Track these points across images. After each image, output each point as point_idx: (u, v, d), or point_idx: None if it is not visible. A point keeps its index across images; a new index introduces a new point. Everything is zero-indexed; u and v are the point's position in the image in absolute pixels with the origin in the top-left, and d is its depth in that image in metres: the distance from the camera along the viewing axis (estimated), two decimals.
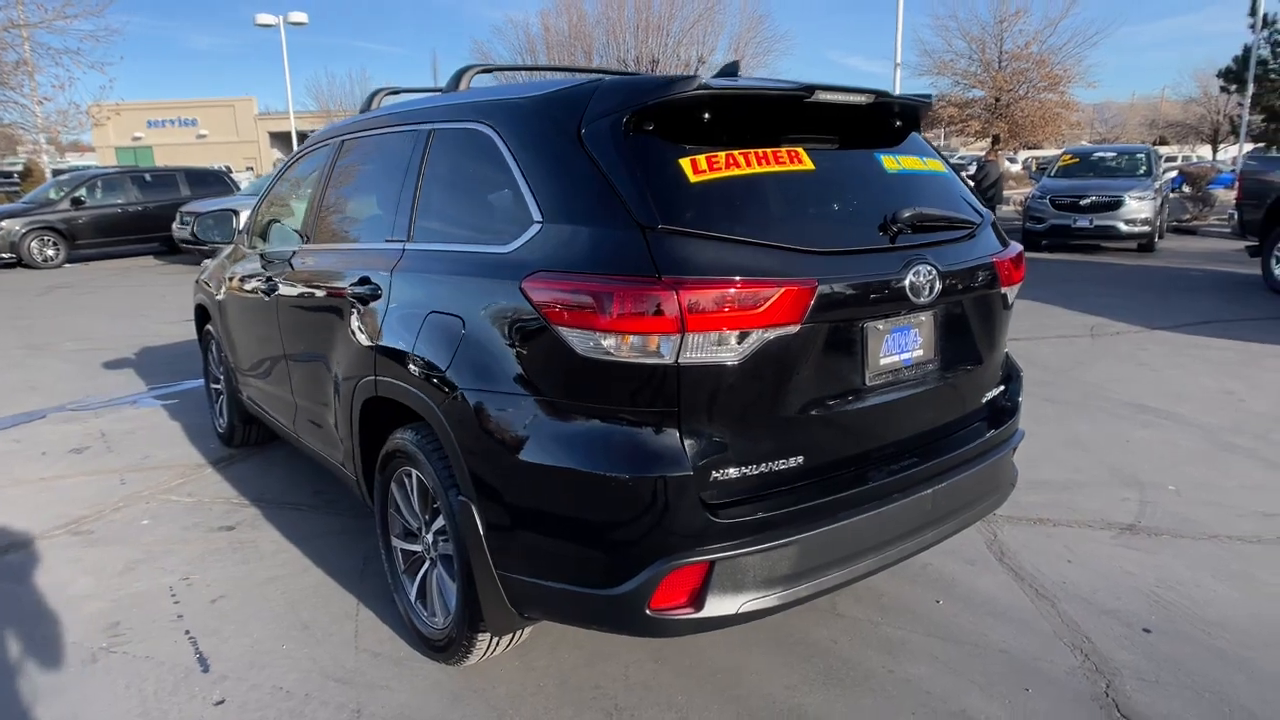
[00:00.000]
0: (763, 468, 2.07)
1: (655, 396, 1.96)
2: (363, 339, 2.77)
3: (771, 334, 1.99)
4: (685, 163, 2.07)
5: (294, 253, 3.52)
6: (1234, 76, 26.64)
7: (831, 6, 75.35)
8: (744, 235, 2.03)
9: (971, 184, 13.79)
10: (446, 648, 2.60)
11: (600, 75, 2.41)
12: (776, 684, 2.56)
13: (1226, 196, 17.62)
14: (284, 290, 3.49)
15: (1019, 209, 17.79)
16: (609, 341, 1.95)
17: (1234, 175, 16.82)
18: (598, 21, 24.14)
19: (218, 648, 2.83)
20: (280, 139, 40.30)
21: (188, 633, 2.94)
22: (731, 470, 2.02)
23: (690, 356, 1.93)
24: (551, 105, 2.30)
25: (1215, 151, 37.13)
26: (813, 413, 2.14)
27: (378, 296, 2.71)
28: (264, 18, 23.62)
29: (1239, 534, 3.50)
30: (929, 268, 2.30)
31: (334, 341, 3.02)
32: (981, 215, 2.68)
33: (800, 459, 2.14)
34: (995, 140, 27.54)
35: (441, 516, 2.49)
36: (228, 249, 4.71)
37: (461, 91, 2.86)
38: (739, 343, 1.96)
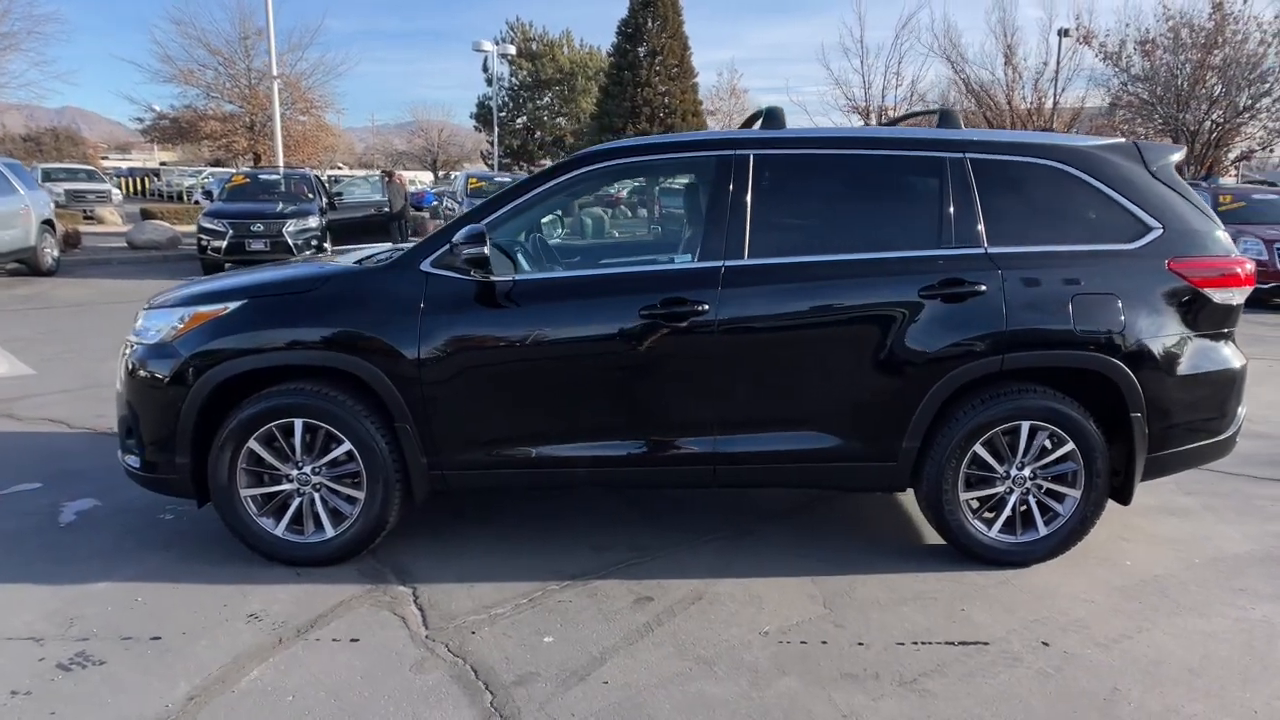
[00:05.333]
0: None
1: (1234, 322, 3.76)
2: (968, 330, 3.50)
3: None
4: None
5: (723, 268, 3.52)
6: (483, 119, 33.83)
7: None
8: None
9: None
10: (1057, 548, 3.69)
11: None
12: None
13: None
14: (736, 310, 3.48)
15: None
16: (1235, 294, 3.67)
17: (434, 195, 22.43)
18: None
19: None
20: None
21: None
22: None
23: (1241, 300, 3.79)
24: (1116, 153, 3.71)
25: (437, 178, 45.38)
26: None
27: (978, 293, 3.51)
28: None
29: None
30: None
31: (884, 342, 3.50)
32: None
33: None
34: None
35: (1067, 446, 3.60)
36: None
37: (992, 130, 3.78)
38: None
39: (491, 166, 31.02)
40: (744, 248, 3.56)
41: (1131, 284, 3.57)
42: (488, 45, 27.53)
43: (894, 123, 6.37)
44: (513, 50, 32.46)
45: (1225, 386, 3.72)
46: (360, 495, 3.62)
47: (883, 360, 3.53)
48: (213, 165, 37.91)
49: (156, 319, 3.75)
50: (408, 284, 3.56)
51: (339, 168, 36.73)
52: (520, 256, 4.01)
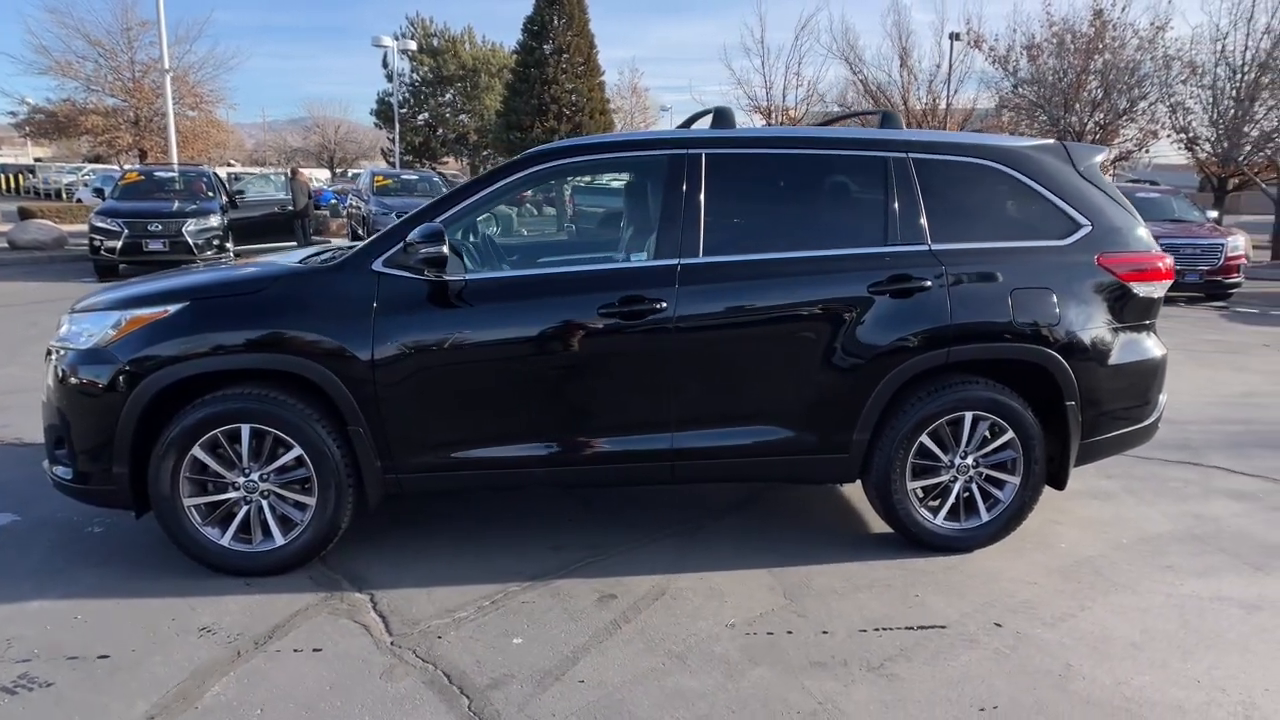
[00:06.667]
0: None
1: (1155, 314, 4.03)
2: (915, 324, 3.64)
3: None
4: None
5: (679, 266, 3.57)
6: (383, 116, 33.03)
7: None
8: None
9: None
10: (999, 532, 3.88)
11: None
12: None
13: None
14: (693, 308, 3.52)
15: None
16: (1156, 287, 3.93)
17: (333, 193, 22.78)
18: None
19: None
20: None
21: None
22: None
23: (1162, 293, 4.06)
24: (1048, 153, 3.92)
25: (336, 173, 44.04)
26: None
27: (924, 289, 3.66)
28: None
29: None
30: None
31: (835, 337, 3.61)
32: None
33: None
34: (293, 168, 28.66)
35: (1007, 434, 3.79)
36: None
37: (932, 131, 3.92)
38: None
39: (393, 164, 30.29)
40: (699, 246, 3.61)
41: (1064, 278, 3.78)
42: (388, 41, 26.78)
43: (830, 122, 6.55)
44: (413, 46, 31.69)
45: (1149, 375, 3.98)
46: (311, 501, 3.52)
47: (835, 355, 3.63)
48: (92, 162, 35.87)
49: (88, 323, 3.56)
50: (359, 284, 3.49)
51: (231, 165, 35.19)
52: (464, 255, 3.96)
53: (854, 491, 4.58)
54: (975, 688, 2.88)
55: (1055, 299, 3.73)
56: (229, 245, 13.45)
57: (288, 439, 3.46)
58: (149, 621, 3.22)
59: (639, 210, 4.31)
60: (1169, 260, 4.00)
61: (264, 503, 3.53)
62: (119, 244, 12.74)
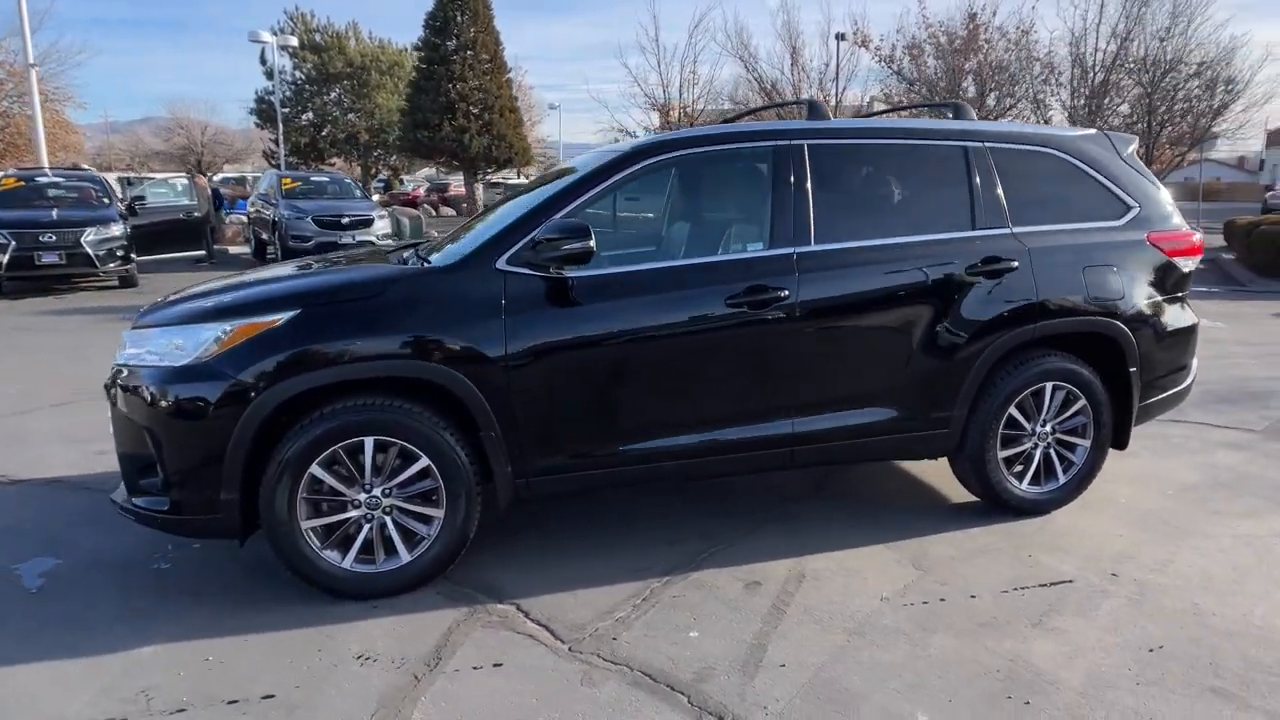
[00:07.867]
0: None
1: (1189, 286, 4.39)
2: (1008, 302, 3.84)
3: None
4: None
5: (795, 255, 3.63)
6: (264, 116, 31.18)
7: None
8: None
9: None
10: (1074, 492, 4.15)
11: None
12: None
13: None
14: (811, 294, 3.59)
15: None
16: (1192, 262, 4.29)
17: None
18: None
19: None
20: None
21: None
22: None
23: (1195, 267, 4.43)
24: (1095, 142, 4.21)
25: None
26: None
27: (1013, 270, 3.86)
28: None
29: None
30: None
31: (939, 318, 3.76)
32: None
33: None
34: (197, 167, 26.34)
35: (1080, 402, 4.06)
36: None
37: (1000, 122, 4.09)
38: None
39: (277, 165, 28.71)
40: (810, 234, 3.68)
41: (1122, 256, 4.07)
42: (267, 36, 25.21)
43: (884, 114, 6.72)
44: (294, 42, 30.06)
45: (1188, 341, 4.34)
46: (437, 513, 3.37)
47: (939, 334, 3.79)
48: None
49: (178, 337, 3.27)
50: (485, 284, 3.36)
51: (84, 169, 32.46)
52: None
53: (914, 466, 4.77)
54: (1133, 632, 3.08)
55: (1118, 275, 4.02)
56: (134, 255, 12.46)
57: (414, 449, 3.29)
58: (291, 655, 3.00)
59: (699, 203, 4.37)
60: (1199, 236, 4.37)
61: (387, 519, 3.35)
62: (6, 258, 11.57)
